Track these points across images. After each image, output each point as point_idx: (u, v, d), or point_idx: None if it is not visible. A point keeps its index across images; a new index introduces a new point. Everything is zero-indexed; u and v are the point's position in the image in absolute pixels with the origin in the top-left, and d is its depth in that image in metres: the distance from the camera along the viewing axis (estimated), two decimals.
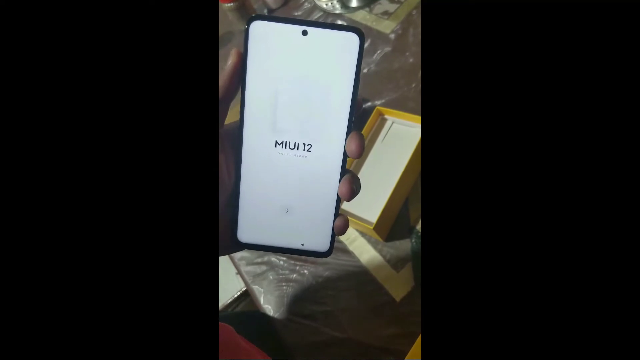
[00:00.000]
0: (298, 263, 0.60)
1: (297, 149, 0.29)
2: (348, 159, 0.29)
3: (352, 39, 0.27)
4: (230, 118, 0.30)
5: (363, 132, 0.59)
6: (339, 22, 0.81)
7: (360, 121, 0.61)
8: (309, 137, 0.29)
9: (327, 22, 0.28)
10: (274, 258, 0.62)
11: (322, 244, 0.30)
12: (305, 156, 0.29)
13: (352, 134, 0.28)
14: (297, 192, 0.30)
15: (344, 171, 0.29)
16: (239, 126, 0.29)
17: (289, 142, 0.29)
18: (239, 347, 0.45)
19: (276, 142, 0.29)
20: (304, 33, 0.27)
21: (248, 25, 0.28)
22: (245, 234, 0.31)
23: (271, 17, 0.28)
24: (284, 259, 0.61)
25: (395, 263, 0.55)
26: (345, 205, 0.56)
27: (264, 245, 0.31)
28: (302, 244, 0.30)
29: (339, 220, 0.29)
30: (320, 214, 0.30)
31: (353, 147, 0.28)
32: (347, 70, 0.28)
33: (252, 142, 0.29)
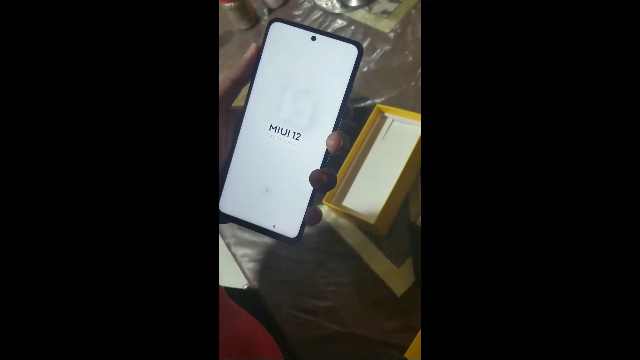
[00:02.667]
0: (300, 259, 0.61)
1: (287, 136, 0.32)
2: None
3: (352, 51, 0.31)
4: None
5: (363, 129, 0.60)
6: (339, 21, 0.82)
7: (360, 119, 0.61)
8: (299, 127, 0.32)
9: (335, 34, 0.32)
10: (276, 254, 0.63)
11: (292, 230, 0.32)
12: (293, 143, 0.32)
13: (334, 132, 0.31)
14: (278, 174, 0.33)
15: (324, 164, 0.32)
16: (243, 106, 0.33)
17: (282, 128, 0.32)
18: (226, 305, 0.46)
19: (271, 125, 0.33)
20: (313, 38, 0.32)
21: (269, 25, 0.32)
22: (226, 205, 0.33)
23: (288, 21, 0.32)
24: (286, 255, 0.62)
25: (396, 258, 0.55)
26: (347, 202, 0.57)
27: (241, 219, 0.33)
28: (274, 226, 0.33)
29: (311, 210, 0.32)
30: (295, 200, 0.32)
31: (331, 142, 0.31)
32: (343, 75, 0.32)
33: (250, 122, 0.33)
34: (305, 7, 0.87)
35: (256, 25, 0.90)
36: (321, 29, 0.82)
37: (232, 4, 0.84)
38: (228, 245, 0.67)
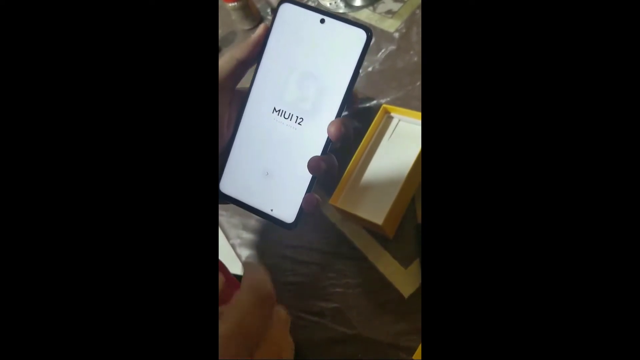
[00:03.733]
0: (306, 261, 0.60)
1: (290, 120, 0.32)
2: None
3: (360, 35, 0.30)
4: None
5: (369, 130, 0.59)
6: None
7: (366, 119, 0.61)
8: (302, 111, 0.31)
9: (344, 17, 0.30)
10: (282, 256, 0.62)
11: (289, 215, 0.32)
12: (295, 128, 0.32)
13: (336, 119, 0.30)
14: (279, 159, 0.32)
15: (325, 152, 0.31)
16: (249, 88, 0.33)
17: (285, 112, 0.32)
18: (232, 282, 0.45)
19: (274, 108, 0.32)
20: (322, 21, 0.31)
21: (279, 5, 0.32)
22: (226, 185, 0.33)
23: (298, 2, 0.31)
24: (292, 257, 0.62)
25: (403, 260, 0.55)
26: (353, 203, 0.56)
27: (240, 201, 0.33)
28: (272, 210, 0.32)
29: (308, 196, 0.31)
30: (294, 185, 0.32)
31: (332, 129, 0.30)
32: (350, 61, 0.30)
33: (254, 104, 0.32)
34: None
35: (259, 25, 0.90)
36: None
37: (235, 3, 0.83)
38: (233, 247, 0.67)
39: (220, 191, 0.33)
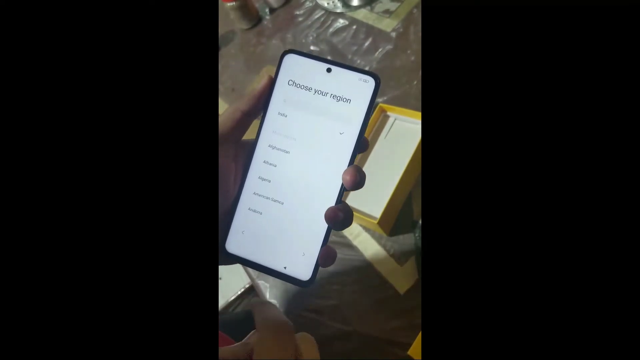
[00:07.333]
0: None
1: (300, 170, 0.30)
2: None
3: (369, 82, 0.29)
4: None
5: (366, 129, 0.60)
6: (341, 20, 0.82)
7: None
8: (312, 162, 0.30)
9: (349, 65, 0.30)
10: None
11: (304, 272, 0.30)
12: (305, 178, 0.30)
13: (351, 167, 0.29)
14: (290, 211, 0.30)
15: (339, 200, 0.29)
16: (254, 141, 0.31)
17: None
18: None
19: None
20: (329, 70, 0.30)
21: (282, 56, 0.31)
22: (233, 245, 0.31)
23: (303, 52, 0.30)
24: None
25: (399, 257, 0.56)
26: (350, 201, 0.57)
27: (250, 260, 0.31)
28: (285, 267, 0.30)
29: (325, 250, 0.29)
30: (308, 239, 0.30)
31: (348, 177, 0.29)
32: (360, 108, 0.29)
33: (261, 158, 0.31)
34: (307, 6, 0.87)
35: (258, 24, 0.90)
36: (322, 28, 0.82)
37: (234, 3, 0.84)
38: None
39: (226, 251, 0.31)
